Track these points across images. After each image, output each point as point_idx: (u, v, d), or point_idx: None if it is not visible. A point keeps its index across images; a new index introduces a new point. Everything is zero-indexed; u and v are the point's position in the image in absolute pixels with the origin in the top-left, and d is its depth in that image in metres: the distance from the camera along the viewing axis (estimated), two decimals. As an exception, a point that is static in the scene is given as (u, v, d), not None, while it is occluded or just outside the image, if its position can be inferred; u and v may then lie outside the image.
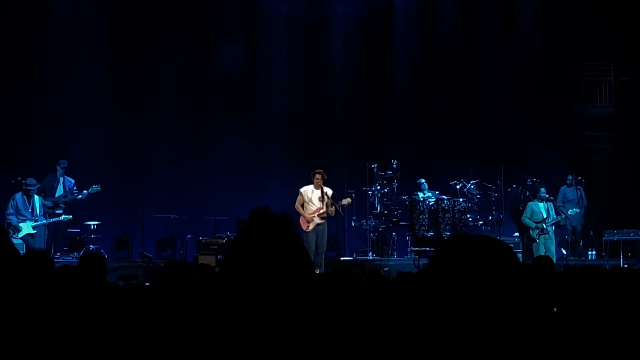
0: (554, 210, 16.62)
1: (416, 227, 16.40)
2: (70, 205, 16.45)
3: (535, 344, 1.96)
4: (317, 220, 14.82)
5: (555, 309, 3.86)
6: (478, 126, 20.31)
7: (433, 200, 16.66)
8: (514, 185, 18.52)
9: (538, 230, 16.29)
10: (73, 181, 16.48)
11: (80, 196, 16.27)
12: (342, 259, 16.53)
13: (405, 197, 17.07)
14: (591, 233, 18.49)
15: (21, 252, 7.59)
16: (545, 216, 16.37)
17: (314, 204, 14.86)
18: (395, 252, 17.45)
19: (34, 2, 18.09)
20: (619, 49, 20.34)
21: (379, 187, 17.34)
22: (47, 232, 15.86)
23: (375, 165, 17.47)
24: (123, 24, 18.60)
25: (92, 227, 16.94)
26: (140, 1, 18.93)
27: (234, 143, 19.21)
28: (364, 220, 17.60)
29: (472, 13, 20.74)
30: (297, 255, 2.05)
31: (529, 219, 16.50)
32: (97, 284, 4.77)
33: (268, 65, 20.04)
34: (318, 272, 13.24)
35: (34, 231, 15.31)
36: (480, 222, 17.42)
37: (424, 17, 20.77)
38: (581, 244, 18.51)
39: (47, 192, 16.15)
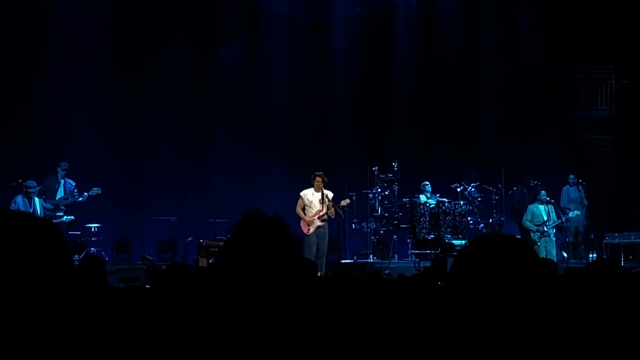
0: (554, 213, 16.62)
1: (417, 230, 16.39)
2: (70, 208, 16.44)
3: (545, 346, 1.96)
4: (318, 223, 14.81)
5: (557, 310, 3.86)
6: (478, 129, 20.32)
7: (434, 202, 16.66)
8: (515, 188, 18.51)
9: (539, 233, 16.29)
10: (74, 183, 16.46)
11: (80, 198, 16.26)
12: (342, 261, 16.52)
13: (406, 200, 17.06)
14: (591, 236, 18.50)
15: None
16: (545, 219, 16.36)
17: (315, 207, 14.86)
18: (396, 255, 17.44)
19: (34, 3, 18.08)
20: (619, 51, 20.36)
21: (379, 190, 17.33)
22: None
23: (376, 168, 17.46)
24: (123, 24, 18.59)
25: (92, 229, 16.92)
26: (141, 2, 18.92)
27: (235, 145, 19.20)
28: (365, 223, 17.59)
29: (473, 15, 20.75)
30: (291, 257, 2.05)
31: (530, 221, 16.50)
32: (97, 287, 4.77)
33: (268, 67, 20.03)
34: (319, 274, 13.24)
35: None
36: (481, 225, 17.42)
37: (425, 19, 20.78)
38: (582, 247, 18.50)
39: (47, 194, 16.13)
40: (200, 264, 13.95)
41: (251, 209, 2.14)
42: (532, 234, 16.43)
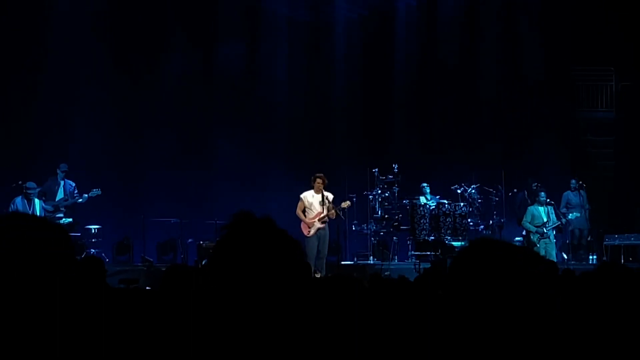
0: (554, 215, 16.61)
1: (417, 232, 16.39)
2: (70, 209, 16.43)
3: (546, 348, 1.96)
4: (318, 224, 14.81)
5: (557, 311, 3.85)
6: (478, 130, 20.31)
7: (434, 204, 16.65)
8: (515, 190, 18.50)
9: (538, 235, 16.29)
10: (74, 184, 16.45)
11: (80, 200, 16.25)
12: (343, 263, 16.52)
13: (406, 202, 17.05)
14: (590, 238, 18.51)
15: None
16: (545, 220, 16.36)
17: (315, 209, 14.85)
18: (396, 257, 17.43)
19: (34, 3, 18.07)
20: (619, 52, 20.35)
21: (379, 192, 17.32)
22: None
23: (376, 170, 17.46)
24: (123, 25, 18.58)
25: (93, 231, 16.92)
26: (141, 2, 18.92)
27: (235, 146, 19.19)
28: (365, 225, 17.59)
29: (473, 16, 20.75)
30: (283, 258, 2.04)
31: (529, 223, 16.50)
32: (96, 288, 4.77)
33: (268, 68, 20.02)
34: (319, 276, 13.24)
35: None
36: (481, 227, 17.41)
37: (425, 20, 20.78)
38: (582, 248, 18.49)
39: (47, 195, 16.13)
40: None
41: (242, 210, 2.13)
42: (531, 235, 16.44)
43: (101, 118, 18.28)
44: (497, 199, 17.95)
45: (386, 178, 17.38)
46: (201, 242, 16.34)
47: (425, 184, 17.38)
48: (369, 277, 8.83)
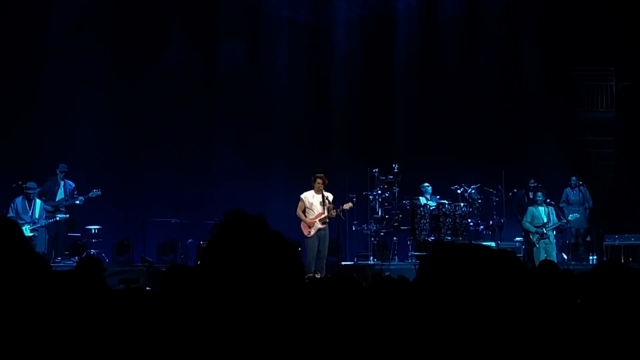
0: (554, 215, 16.61)
1: (417, 232, 16.39)
2: (70, 209, 16.45)
3: (536, 346, 1.96)
4: (319, 225, 14.81)
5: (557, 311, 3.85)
6: (479, 130, 20.31)
7: (434, 204, 16.65)
8: (515, 190, 18.50)
9: (538, 235, 16.28)
10: (73, 185, 16.47)
11: (77, 202, 16.25)
12: (343, 263, 16.52)
13: (407, 202, 17.05)
14: (588, 238, 18.51)
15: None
16: (545, 220, 16.35)
17: (315, 209, 14.85)
18: (396, 257, 17.43)
19: (34, 3, 18.08)
20: (619, 53, 20.34)
21: (380, 192, 17.32)
22: (47, 237, 15.85)
23: (377, 170, 17.45)
24: (123, 25, 18.60)
25: (93, 231, 16.93)
26: (141, 2, 18.92)
27: (235, 146, 19.21)
28: (365, 225, 17.59)
29: (473, 16, 20.75)
30: (276, 258, 2.03)
31: (530, 223, 16.50)
32: (94, 288, 4.76)
33: (269, 68, 20.04)
34: (319, 276, 13.24)
35: (31, 234, 15.28)
36: (482, 227, 17.42)
37: (425, 20, 20.79)
38: (582, 248, 18.50)
39: (47, 196, 16.14)
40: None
41: (233, 209, 2.12)
42: (531, 236, 16.44)
43: (101, 118, 18.28)
44: (497, 199, 17.95)
45: (386, 178, 17.37)
46: (201, 242, 16.34)
47: (426, 184, 17.38)
48: (370, 277, 8.83)
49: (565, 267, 14.78)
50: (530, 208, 16.72)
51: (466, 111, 20.59)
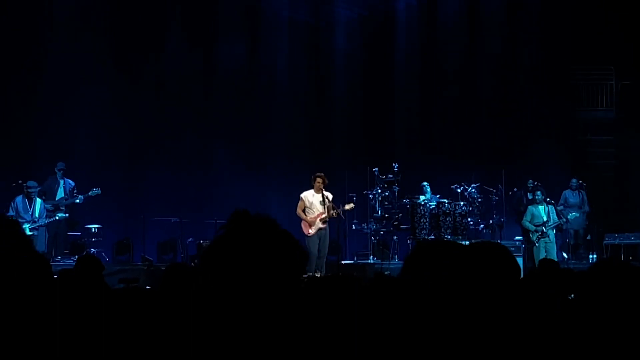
0: (554, 214, 16.60)
1: (417, 231, 16.38)
2: (70, 207, 16.45)
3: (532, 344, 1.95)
4: (319, 224, 14.82)
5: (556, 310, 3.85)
6: (478, 129, 20.30)
7: (434, 203, 16.65)
8: (515, 189, 18.51)
9: (537, 234, 16.28)
10: (73, 183, 16.47)
11: (77, 200, 16.25)
12: (343, 262, 16.52)
13: (406, 201, 17.05)
14: (588, 237, 18.51)
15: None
16: (545, 219, 16.35)
17: (315, 209, 14.85)
18: (396, 256, 17.42)
19: (34, 3, 18.08)
20: (619, 52, 20.34)
21: (380, 191, 17.32)
22: (47, 236, 15.85)
23: (377, 169, 17.45)
24: (123, 24, 18.59)
25: (93, 230, 16.93)
26: (141, 2, 18.92)
27: (235, 145, 19.21)
28: (365, 224, 17.58)
29: (473, 15, 20.74)
30: (280, 257, 2.03)
31: (529, 222, 16.49)
32: (93, 287, 4.76)
33: (269, 67, 20.04)
34: (319, 275, 13.24)
35: (31, 233, 15.28)
36: (481, 226, 17.41)
37: (425, 20, 20.78)
38: (582, 247, 18.50)
39: (47, 195, 16.14)
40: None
41: (238, 209, 2.12)
42: (530, 235, 16.44)
43: (101, 117, 18.28)
44: (497, 198, 17.95)
45: (386, 177, 17.37)
46: (201, 242, 16.34)
47: (425, 183, 17.39)
48: (373, 276, 8.82)
49: (566, 266, 14.83)
50: (529, 207, 16.72)
51: (466, 111, 20.58)
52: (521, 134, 20.51)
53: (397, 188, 17.31)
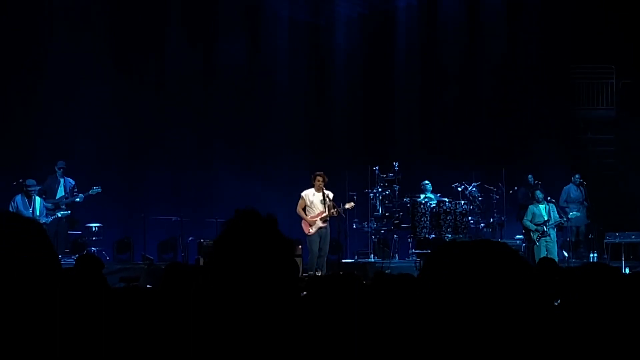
0: (556, 212, 16.59)
1: (417, 230, 16.38)
2: (70, 206, 16.46)
3: (535, 345, 1.95)
4: (320, 223, 14.83)
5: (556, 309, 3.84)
6: (479, 128, 20.30)
7: (434, 202, 16.64)
8: (516, 188, 18.51)
9: (538, 233, 16.27)
10: (73, 182, 16.47)
11: (77, 199, 16.26)
12: (343, 261, 16.53)
13: (407, 200, 17.05)
14: (590, 236, 18.50)
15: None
16: (546, 218, 16.34)
17: (316, 208, 14.86)
18: (396, 255, 17.43)
19: (34, 3, 18.08)
20: (620, 51, 20.33)
21: (380, 190, 17.32)
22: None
23: (377, 168, 17.45)
24: (124, 24, 18.60)
25: (93, 229, 16.94)
26: (141, 2, 18.92)
27: (235, 144, 19.21)
28: (366, 223, 17.59)
29: (474, 15, 20.74)
30: (281, 257, 2.03)
31: (530, 221, 16.48)
32: (93, 286, 4.76)
33: (269, 67, 20.04)
34: (320, 274, 13.26)
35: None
36: (482, 225, 17.41)
37: (425, 20, 20.77)
38: (583, 246, 18.49)
39: (48, 194, 16.15)
40: (201, 264, 13.94)
41: (247, 207, 2.11)
42: (531, 234, 16.43)
43: (102, 117, 18.29)
44: (497, 197, 17.96)
45: (387, 176, 17.38)
46: (202, 240, 16.35)
47: (427, 182, 17.39)
48: (373, 275, 8.82)
49: (566, 265, 14.83)
50: (530, 206, 16.71)
51: (466, 111, 20.58)
52: (521, 133, 20.50)
53: (398, 187, 17.32)
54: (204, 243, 16.15)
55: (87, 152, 17.81)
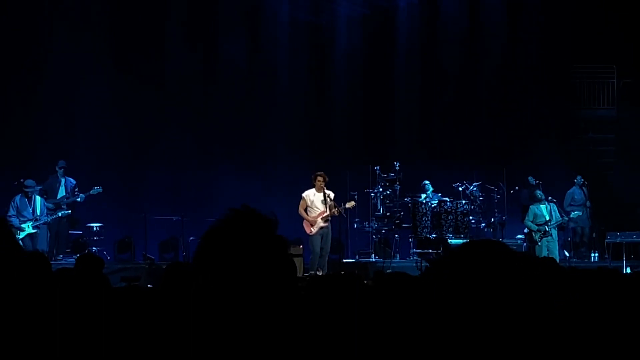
0: (557, 212, 16.59)
1: (419, 229, 16.38)
2: (71, 206, 16.47)
3: (538, 345, 1.95)
4: (321, 223, 14.84)
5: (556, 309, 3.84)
6: (479, 128, 20.29)
7: (435, 202, 16.64)
8: (517, 188, 18.50)
9: (540, 233, 16.26)
10: (74, 182, 16.47)
11: (78, 199, 16.26)
12: (344, 261, 16.53)
13: (408, 199, 17.05)
14: (594, 235, 18.49)
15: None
16: (548, 218, 16.33)
17: (317, 208, 14.87)
18: (397, 254, 17.43)
19: (35, 3, 18.08)
20: (621, 51, 20.32)
21: (381, 189, 17.33)
22: (49, 234, 15.85)
23: (378, 167, 17.45)
24: (124, 24, 18.60)
25: (94, 229, 16.95)
26: (141, 2, 18.92)
27: (236, 145, 19.21)
28: (367, 223, 17.59)
29: (474, 15, 20.73)
30: (273, 255, 2.02)
31: (532, 221, 16.47)
32: (93, 286, 4.76)
33: (269, 67, 20.03)
34: (321, 274, 13.26)
35: (34, 231, 15.29)
36: (483, 225, 17.40)
37: (426, 20, 20.76)
38: (584, 246, 18.49)
39: (49, 193, 16.15)
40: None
41: (242, 206, 2.09)
42: (533, 234, 16.42)
43: (102, 117, 18.30)
44: (498, 196, 17.95)
45: (388, 176, 17.38)
46: (202, 241, 16.32)
47: (427, 182, 17.39)
48: (373, 275, 8.81)
49: (567, 265, 14.84)
50: (531, 207, 16.69)
51: (466, 111, 20.57)
52: (522, 133, 20.49)
53: (399, 186, 17.32)
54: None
55: (87, 152, 17.81)
